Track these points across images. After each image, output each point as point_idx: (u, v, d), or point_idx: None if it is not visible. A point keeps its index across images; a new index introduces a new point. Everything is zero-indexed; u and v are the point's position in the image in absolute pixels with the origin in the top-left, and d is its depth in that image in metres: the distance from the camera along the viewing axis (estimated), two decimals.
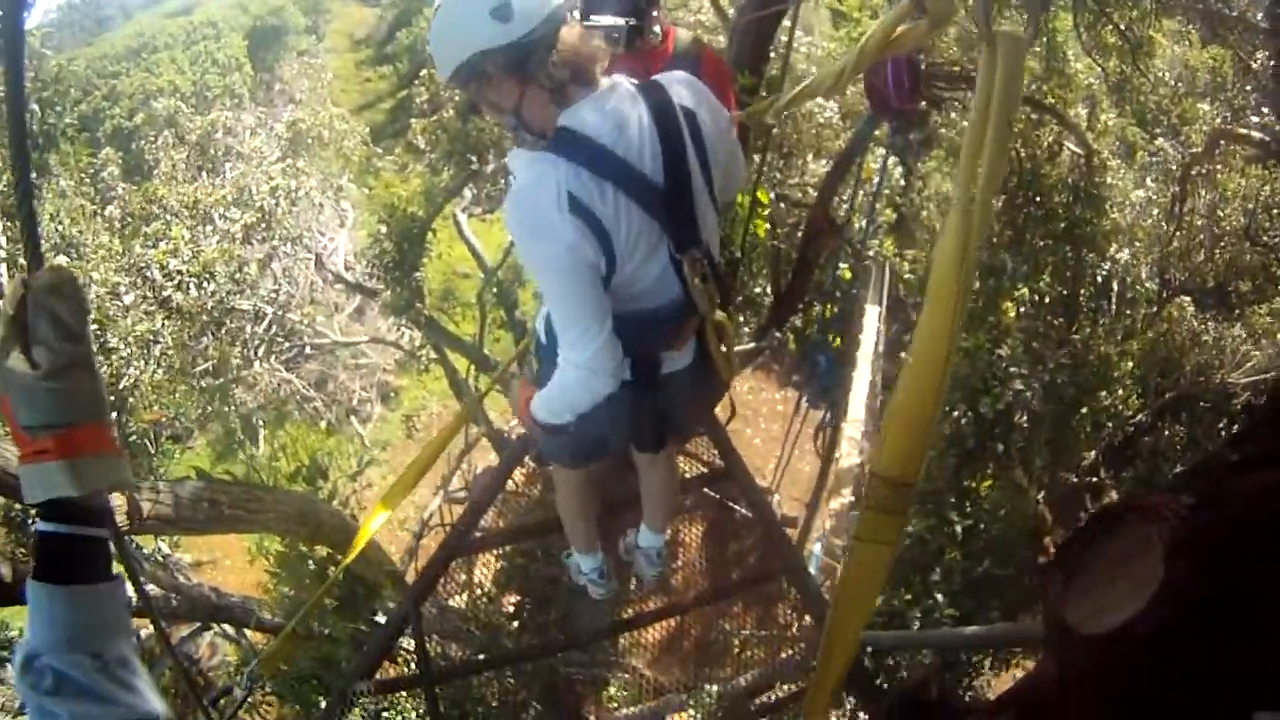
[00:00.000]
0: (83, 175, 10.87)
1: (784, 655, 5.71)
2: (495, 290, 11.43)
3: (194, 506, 4.32)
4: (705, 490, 6.86)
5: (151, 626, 2.46)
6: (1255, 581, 0.90)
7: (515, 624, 5.97)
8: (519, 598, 6.47)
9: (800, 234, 8.30)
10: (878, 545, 1.57)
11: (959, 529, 6.31)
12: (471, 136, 9.65)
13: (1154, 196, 11.22)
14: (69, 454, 0.94)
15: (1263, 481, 0.97)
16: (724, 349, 2.35)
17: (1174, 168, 11.31)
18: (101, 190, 12.25)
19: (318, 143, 13.08)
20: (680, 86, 2.09)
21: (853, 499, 8.41)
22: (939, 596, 5.94)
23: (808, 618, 7.21)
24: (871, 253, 10.84)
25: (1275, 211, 10.65)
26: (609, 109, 1.98)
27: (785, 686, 4.99)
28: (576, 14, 2.21)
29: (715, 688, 4.94)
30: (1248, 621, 0.89)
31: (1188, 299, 10.05)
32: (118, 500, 4.09)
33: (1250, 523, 0.93)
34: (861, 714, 3.74)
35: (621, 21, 2.75)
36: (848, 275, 10.47)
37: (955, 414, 7.63)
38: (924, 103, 8.72)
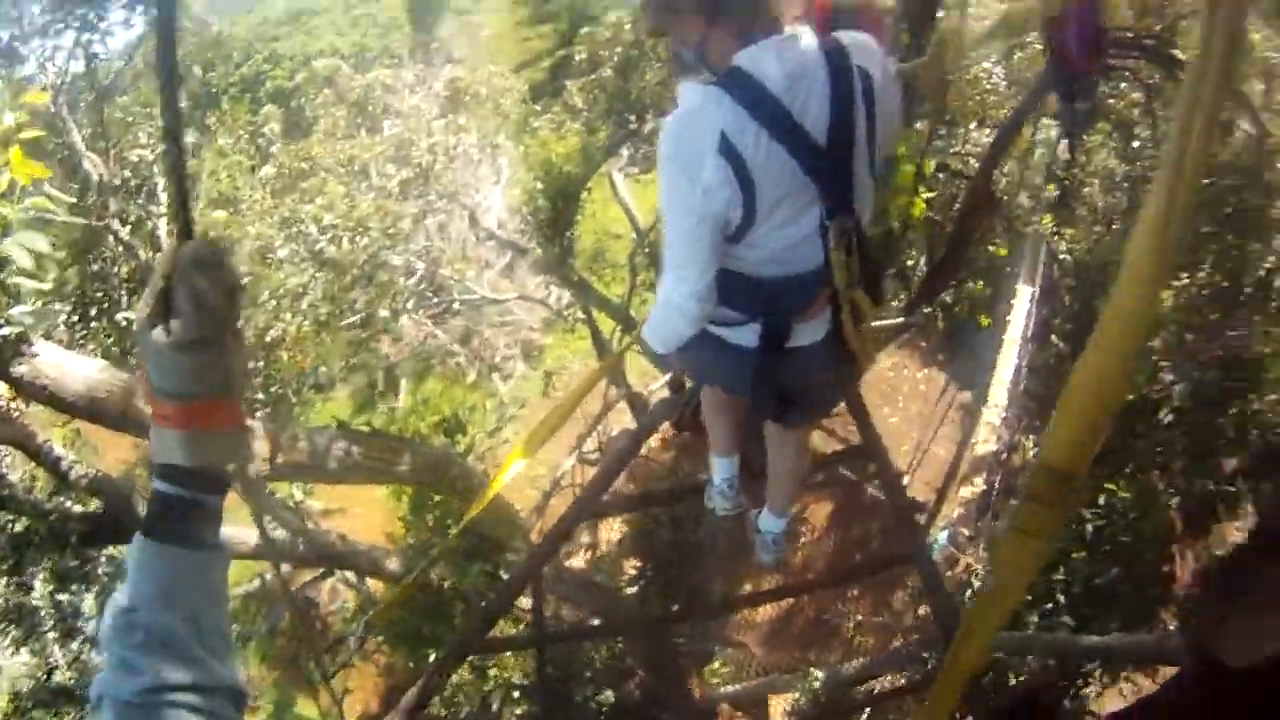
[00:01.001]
0: (242, 134, 11.43)
1: (895, 644, 5.58)
2: (647, 251, 11.42)
3: (330, 455, 4.52)
4: (839, 468, 6.70)
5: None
6: None
7: (633, 590, 6.03)
8: (640, 563, 6.53)
9: (958, 206, 7.89)
10: (1034, 539, 1.47)
11: (1089, 529, 5.94)
12: (630, 95, 9.62)
13: None
14: (187, 425, 0.98)
15: None
16: (859, 330, 2.23)
17: None
18: (262, 148, 12.86)
19: (475, 100, 13.32)
20: (860, 48, 2.00)
21: (986, 488, 8.09)
22: (1060, 599, 5.63)
23: (923, 608, 7.02)
24: (1030, 229, 10.27)
25: None
26: (786, 56, 1.91)
27: (891, 677, 4.87)
28: None
29: (821, 673, 4.86)
30: None
31: None
32: (262, 444, 4.34)
33: None
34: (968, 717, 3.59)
35: None
36: (1003, 252, 9.96)
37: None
38: (1103, 67, 8.09)
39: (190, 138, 9.21)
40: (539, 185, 10.23)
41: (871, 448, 4.04)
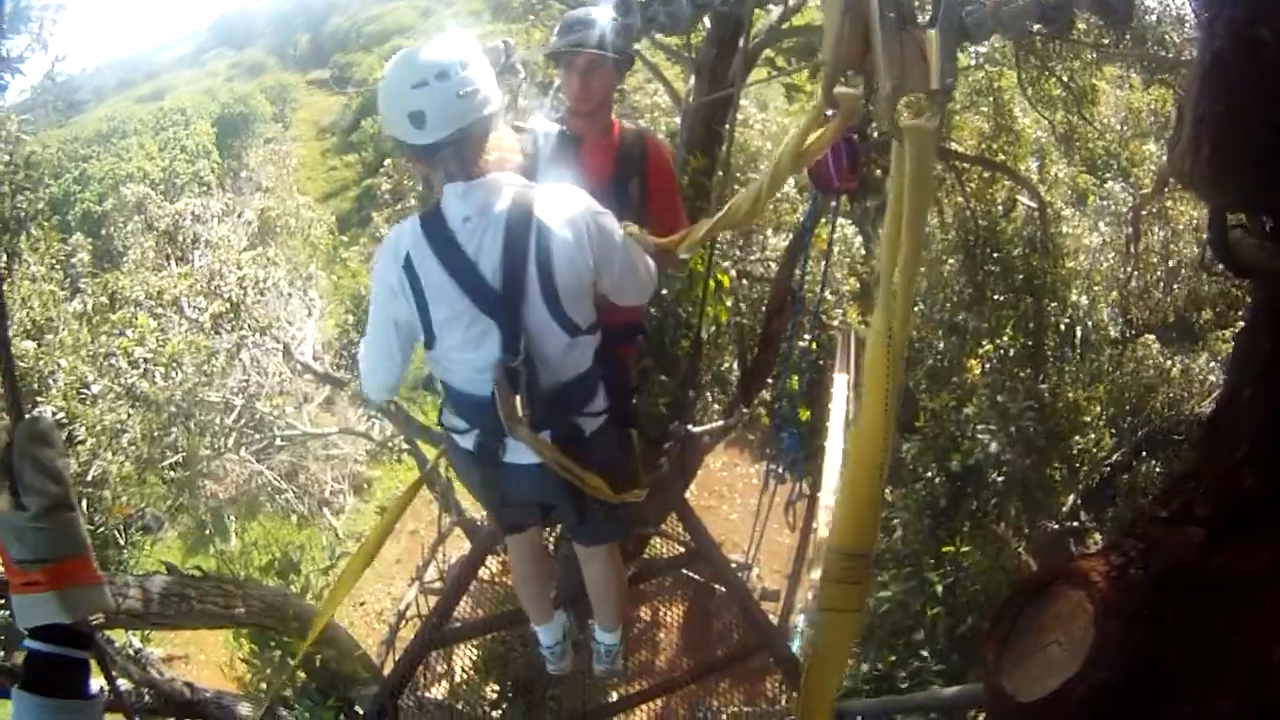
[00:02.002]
0: (54, 261, 10.80)
1: None
2: None
3: (164, 601, 4.26)
4: (683, 570, 6.82)
5: None
6: (1186, 640, 0.92)
7: (496, 714, 5.83)
8: (499, 686, 6.33)
9: (764, 309, 8.39)
10: (843, 614, 1.63)
11: (939, 589, 6.26)
12: None
13: (1109, 240, 11.45)
14: (58, 585, 1.02)
15: (1188, 537, 1.00)
16: (558, 464, 2.33)
17: (1126, 209, 11.55)
18: (73, 277, 12.20)
19: (285, 231, 13.13)
20: (552, 202, 2.17)
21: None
22: (925, 655, 5.85)
23: (794, 692, 7.13)
24: (837, 322, 10.97)
25: None
26: (471, 199, 2.15)
27: None
28: (513, 117, 2.62)
29: None
30: (1181, 680, 0.92)
31: (1151, 336, 10.18)
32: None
33: (1178, 581, 0.96)
34: None
35: (555, 128, 2.83)
36: (814, 346, 10.57)
37: (928, 475, 7.64)
38: (866, 176, 8.87)
39: None
40: (350, 318, 10.13)
41: (704, 550, 4.19)
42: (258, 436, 11.96)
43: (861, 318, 11.04)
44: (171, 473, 9.90)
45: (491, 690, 6.15)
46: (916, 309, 10.71)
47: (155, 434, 9.17)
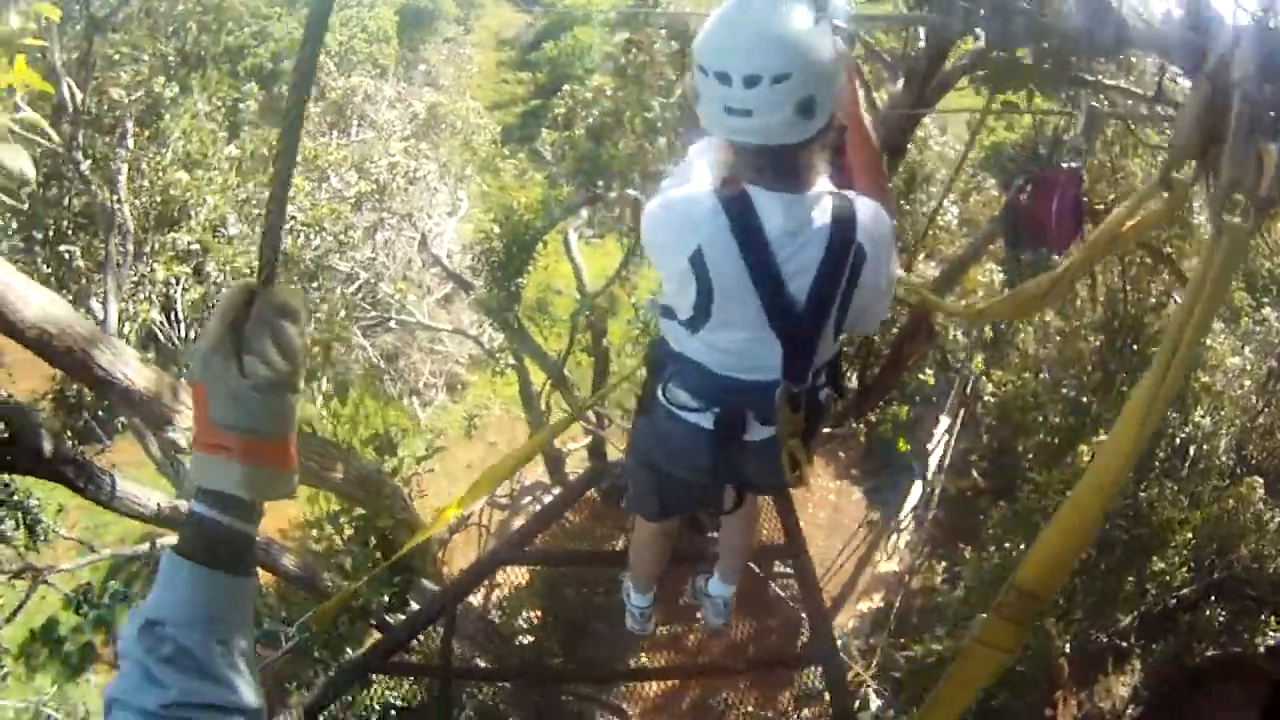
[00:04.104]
0: (220, 104, 11.20)
1: None
2: (589, 314, 11.48)
3: None
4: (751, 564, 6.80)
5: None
6: None
7: (531, 639, 5.97)
8: (540, 614, 6.46)
9: (895, 330, 8.21)
10: (994, 650, 1.63)
11: None
12: (600, 159, 9.78)
13: (1249, 366, 10.82)
14: (249, 459, 0.97)
15: None
16: (795, 471, 2.26)
17: (1276, 340, 10.96)
18: (235, 124, 12.59)
19: (450, 129, 13.34)
20: (870, 220, 1.96)
21: (883, 605, 8.25)
22: None
23: (806, 711, 7.09)
24: (959, 365, 10.70)
25: None
26: (794, 213, 1.90)
27: None
28: None
29: None
30: None
31: (1260, 480, 9.65)
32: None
33: None
34: None
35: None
36: (931, 381, 10.34)
37: (1007, 545, 7.46)
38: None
39: (171, 91, 8.99)
40: (496, 228, 10.25)
41: (796, 549, 4.15)
42: (373, 314, 12.36)
43: (985, 368, 10.71)
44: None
45: (533, 615, 6.28)
46: (1043, 375, 10.39)
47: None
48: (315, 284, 10.19)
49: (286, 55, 19.96)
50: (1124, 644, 8.72)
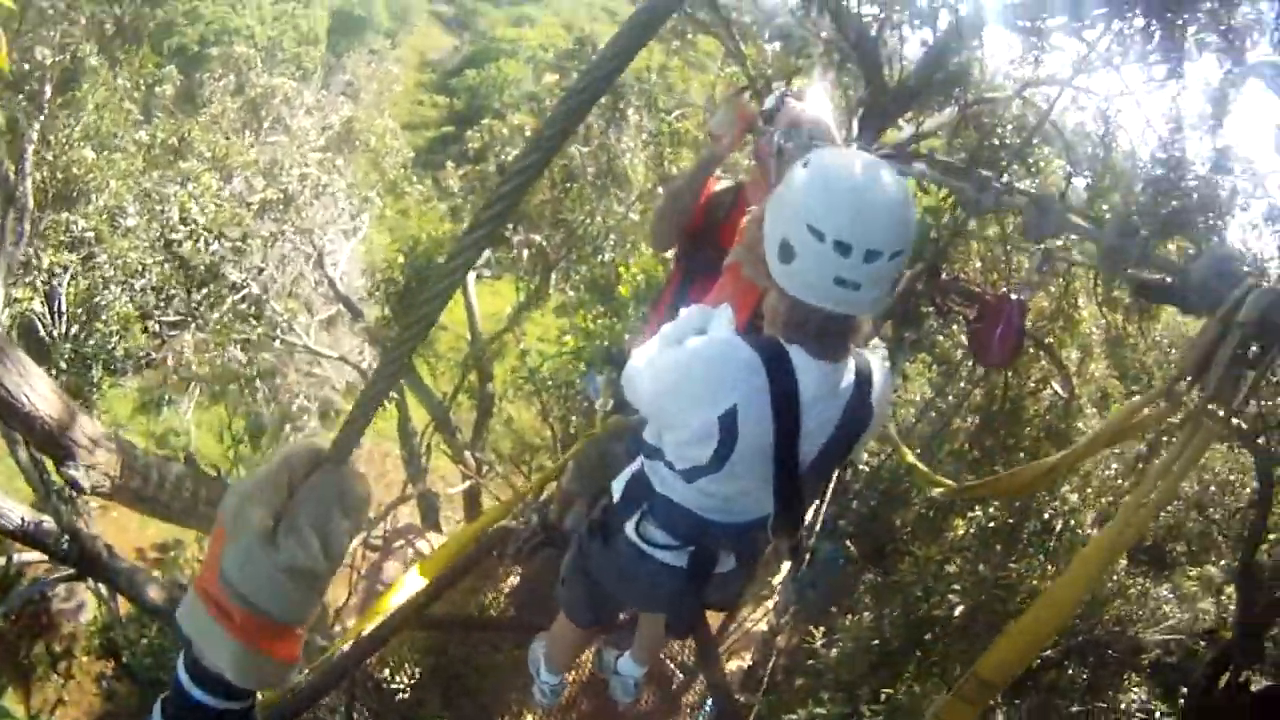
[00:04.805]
0: (139, 81, 10.58)
1: None
2: (478, 358, 11.29)
3: (176, 490, 4.12)
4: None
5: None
6: None
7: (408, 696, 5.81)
8: (422, 671, 6.27)
9: None
10: None
11: None
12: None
13: (1119, 450, 11.49)
14: (249, 641, 0.85)
15: None
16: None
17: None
18: (151, 106, 12.11)
19: (363, 146, 13.03)
20: (880, 378, 1.94)
21: (751, 664, 8.28)
22: None
23: None
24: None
25: (1229, 490, 10.90)
26: (830, 380, 1.85)
27: None
28: None
29: None
30: None
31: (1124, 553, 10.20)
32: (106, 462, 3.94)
33: None
34: None
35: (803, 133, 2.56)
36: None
37: (886, 611, 7.65)
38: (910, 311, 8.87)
39: (95, 60, 8.50)
40: (401, 258, 10.02)
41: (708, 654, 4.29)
42: (255, 327, 11.79)
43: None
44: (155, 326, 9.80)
45: (413, 669, 6.09)
46: (918, 451, 10.74)
47: (170, 289, 9.11)
48: (205, 291, 9.77)
49: (213, 41, 19.38)
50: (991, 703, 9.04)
